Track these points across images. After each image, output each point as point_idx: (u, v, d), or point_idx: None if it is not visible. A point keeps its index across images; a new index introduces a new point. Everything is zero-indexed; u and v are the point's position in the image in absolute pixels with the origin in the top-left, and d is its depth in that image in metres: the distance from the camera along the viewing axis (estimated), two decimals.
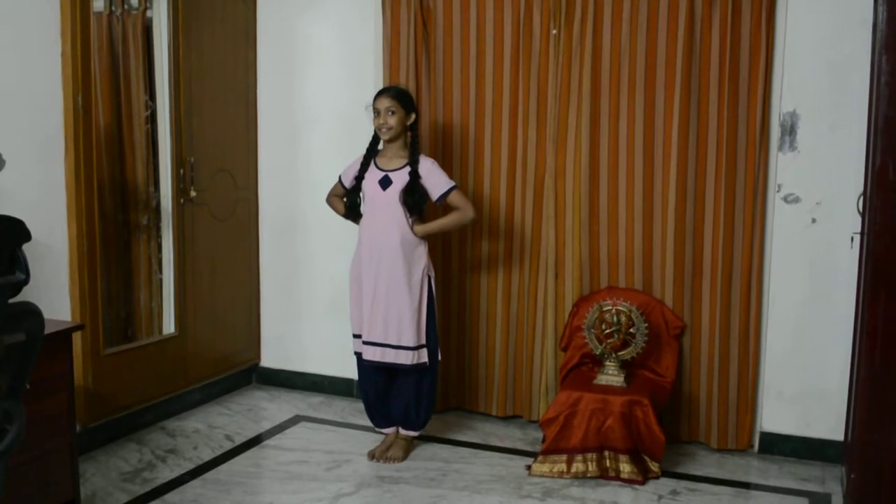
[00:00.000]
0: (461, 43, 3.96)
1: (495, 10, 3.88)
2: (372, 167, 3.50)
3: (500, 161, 3.95)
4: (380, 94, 3.46)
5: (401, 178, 3.42)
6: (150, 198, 4.03)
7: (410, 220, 3.43)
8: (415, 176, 3.40)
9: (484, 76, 3.93)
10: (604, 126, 3.77)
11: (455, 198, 3.44)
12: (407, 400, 3.53)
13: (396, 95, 3.42)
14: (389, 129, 3.40)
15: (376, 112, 3.42)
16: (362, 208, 3.56)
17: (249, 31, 4.42)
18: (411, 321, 3.42)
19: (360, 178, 3.51)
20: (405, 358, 3.44)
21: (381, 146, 3.54)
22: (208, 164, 4.17)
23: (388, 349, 3.44)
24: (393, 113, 3.39)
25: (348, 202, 3.57)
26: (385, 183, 3.43)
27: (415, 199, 3.40)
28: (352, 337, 3.59)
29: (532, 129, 3.87)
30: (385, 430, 3.64)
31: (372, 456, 3.56)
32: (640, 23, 3.66)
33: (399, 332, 3.42)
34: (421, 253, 3.47)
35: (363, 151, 3.58)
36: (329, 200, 3.71)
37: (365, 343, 3.48)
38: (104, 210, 3.73)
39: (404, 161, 3.45)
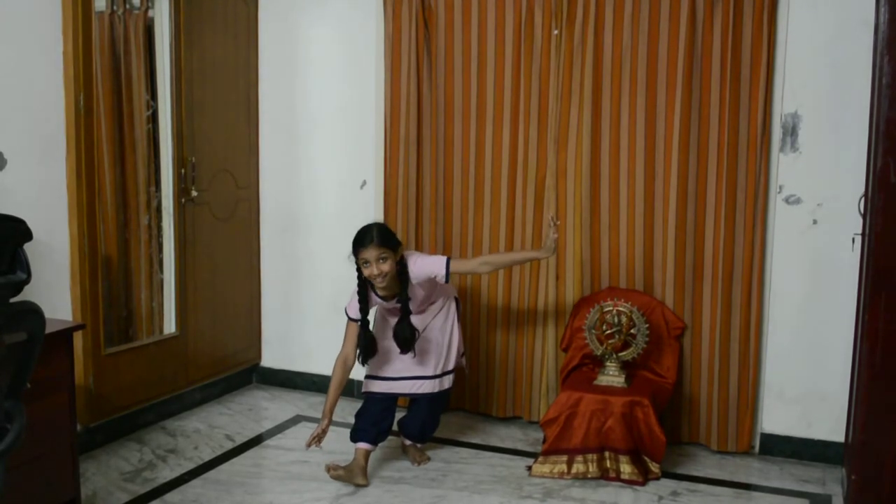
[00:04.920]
0: (462, 43, 3.96)
1: (497, 11, 3.88)
2: (375, 298, 3.32)
3: (501, 161, 3.95)
4: (361, 243, 3.14)
5: (414, 292, 3.30)
6: (151, 197, 4.04)
7: (443, 277, 3.27)
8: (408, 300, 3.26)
9: (485, 76, 3.93)
10: (605, 126, 3.77)
11: (457, 266, 3.33)
12: (423, 419, 3.52)
13: (381, 241, 3.12)
14: (385, 275, 3.14)
15: (365, 262, 3.14)
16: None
17: (251, 31, 4.42)
18: (454, 348, 3.47)
19: (365, 311, 3.28)
20: (449, 382, 3.48)
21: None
22: (209, 163, 4.17)
23: (426, 381, 3.41)
24: (385, 259, 3.13)
25: (363, 344, 3.27)
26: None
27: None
28: (364, 378, 3.44)
29: (533, 129, 3.87)
30: (371, 446, 3.39)
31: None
32: (641, 23, 3.66)
33: (446, 360, 3.45)
34: (451, 290, 3.50)
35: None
36: (335, 377, 3.32)
37: (399, 379, 3.40)
38: (105, 210, 3.73)
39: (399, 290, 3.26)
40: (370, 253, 3.13)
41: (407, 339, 3.25)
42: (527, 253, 3.64)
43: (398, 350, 3.33)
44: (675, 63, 3.62)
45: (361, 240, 3.15)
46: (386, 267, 3.14)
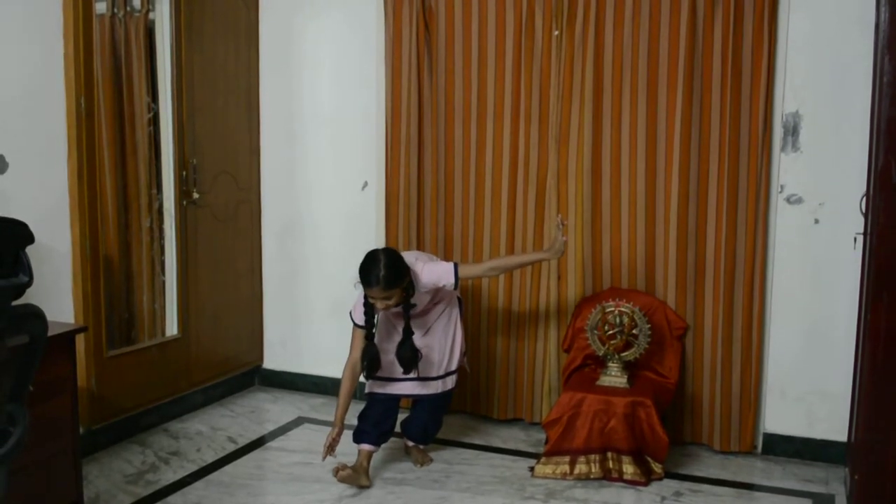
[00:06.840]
0: (463, 44, 3.96)
1: (497, 11, 3.88)
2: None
3: (502, 161, 3.95)
4: (367, 283, 3.09)
5: (419, 299, 3.28)
6: (153, 200, 4.04)
7: (452, 286, 3.27)
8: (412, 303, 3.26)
9: (486, 77, 3.93)
10: (606, 127, 3.77)
11: (465, 271, 3.31)
12: (426, 420, 3.51)
13: (386, 284, 3.06)
14: (390, 307, 3.17)
15: (371, 297, 3.14)
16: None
17: (251, 33, 4.43)
18: (457, 348, 3.46)
19: (371, 319, 3.25)
20: (452, 383, 3.47)
21: None
22: (210, 166, 4.17)
23: (429, 381, 3.41)
24: (390, 297, 3.11)
25: (368, 358, 3.23)
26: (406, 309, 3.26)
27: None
28: (367, 380, 3.38)
29: (534, 129, 3.87)
30: (373, 447, 3.40)
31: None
32: (642, 24, 3.66)
33: (450, 361, 3.45)
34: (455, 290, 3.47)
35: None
36: (345, 384, 3.32)
37: (402, 380, 3.36)
38: (106, 212, 3.74)
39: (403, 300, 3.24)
40: (375, 293, 3.10)
41: (409, 359, 3.24)
42: (533, 255, 3.59)
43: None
44: (675, 63, 3.61)
45: (367, 279, 3.09)
46: (391, 302, 3.14)
